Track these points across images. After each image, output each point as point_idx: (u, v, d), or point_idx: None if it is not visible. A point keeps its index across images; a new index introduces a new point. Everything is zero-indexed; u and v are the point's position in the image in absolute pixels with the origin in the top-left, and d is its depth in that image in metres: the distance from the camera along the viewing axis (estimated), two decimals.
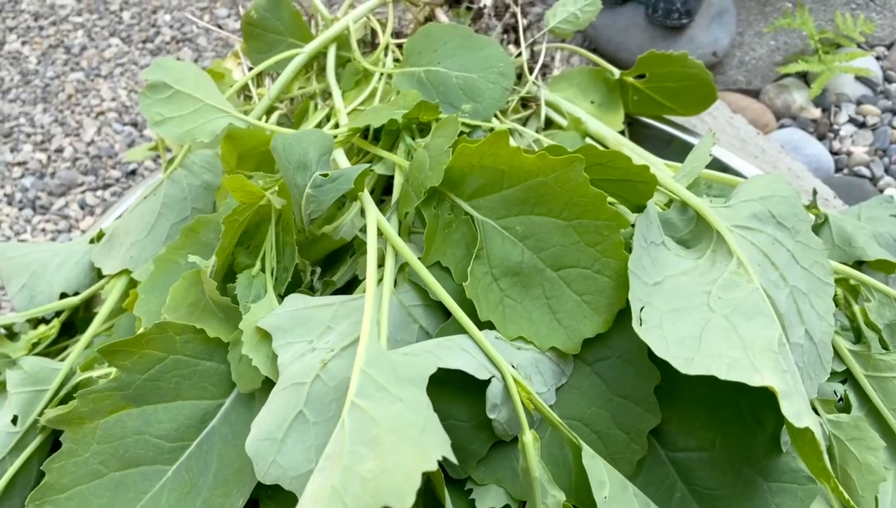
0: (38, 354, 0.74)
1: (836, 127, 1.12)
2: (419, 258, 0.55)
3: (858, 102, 1.16)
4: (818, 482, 0.57)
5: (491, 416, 0.49)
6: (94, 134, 1.11)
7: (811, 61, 1.17)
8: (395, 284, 0.56)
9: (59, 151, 1.11)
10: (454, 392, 0.51)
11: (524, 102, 0.84)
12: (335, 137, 0.63)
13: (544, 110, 0.78)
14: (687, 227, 0.64)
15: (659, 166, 0.73)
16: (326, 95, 0.78)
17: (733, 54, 1.21)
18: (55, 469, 0.58)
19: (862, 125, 1.13)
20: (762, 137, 1.08)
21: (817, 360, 0.59)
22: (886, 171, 1.07)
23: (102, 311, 0.72)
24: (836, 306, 0.69)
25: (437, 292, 0.52)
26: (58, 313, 0.76)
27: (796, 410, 0.47)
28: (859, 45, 1.24)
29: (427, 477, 0.50)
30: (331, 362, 0.49)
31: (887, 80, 1.19)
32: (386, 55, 0.76)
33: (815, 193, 0.81)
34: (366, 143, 0.66)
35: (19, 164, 1.09)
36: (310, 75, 0.82)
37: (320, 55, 0.81)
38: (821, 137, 1.13)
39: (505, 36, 0.87)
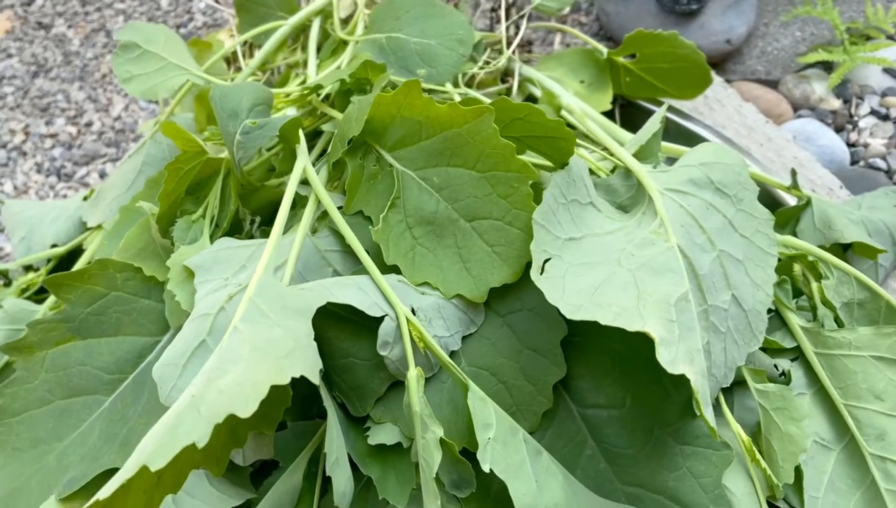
0: (26, 298, 0.79)
1: (855, 119, 1.08)
2: (341, 207, 0.57)
3: (883, 95, 1.11)
4: (744, 451, 0.57)
5: (382, 353, 0.51)
6: (122, 110, 1.18)
7: (834, 52, 1.13)
8: (316, 230, 0.58)
9: (88, 125, 1.18)
10: (356, 332, 0.53)
11: (504, 78, 0.85)
12: (288, 95, 0.66)
13: (517, 83, 0.79)
14: (628, 193, 0.64)
15: (619, 137, 0.73)
16: (307, 65, 0.81)
17: (755, 44, 1.19)
18: (8, 395, 0.62)
19: (885, 117, 1.09)
20: (771, 126, 1.05)
21: (747, 327, 0.58)
22: None
23: (82, 260, 0.76)
24: (794, 283, 0.68)
25: (347, 237, 0.54)
26: (48, 262, 0.81)
27: (673, 358, 0.46)
28: (890, 37, 1.19)
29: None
30: (236, 295, 0.51)
31: None
32: (359, 25, 0.78)
33: (793, 173, 0.79)
34: (323, 105, 0.68)
35: (51, 136, 1.17)
36: (295, 47, 0.85)
37: (307, 28, 0.84)
38: (838, 129, 1.09)
39: (493, 14, 0.88)
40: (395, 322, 0.51)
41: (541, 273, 0.51)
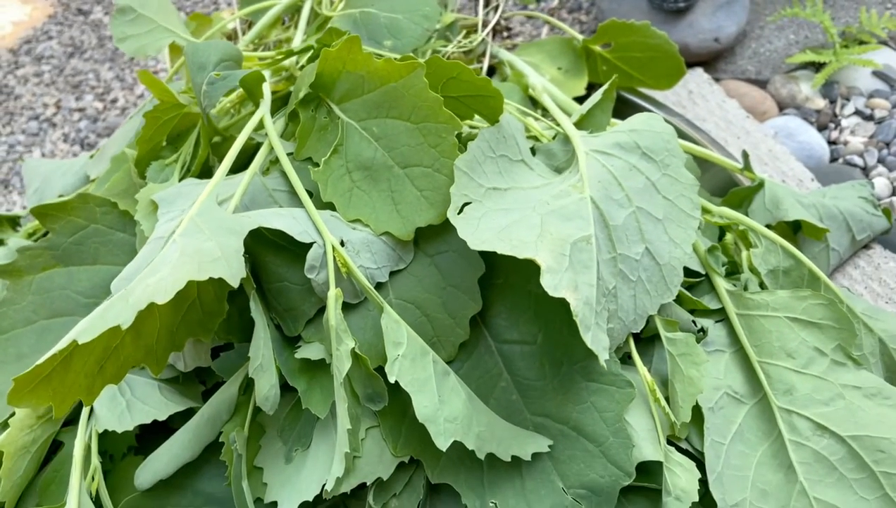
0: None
1: (839, 118, 1.11)
2: (292, 153, 0.63)
3: (870, 96, 1.14)
4: (647, 391, 0.61)
5: (309, 276, 0.57)
6: (145, 88, 1.26)
7: (823, 53, 1.16)
8: (268, 171, 0.64)
9: (114, 101, 1.27)
10: (291, 259, 0.59)
11: (482, 59, 0.91)
12: (263, 59, 0.73)
13: (487, 62, 0.84)
14: (565, 157, 0.69)
15: (569, 110, 0.78)
16: (295, 39, 0.88)
17: (748, 45, 1.22)
18: None
19: (869, 118, 1.11)
20: (751, 121, 1.09)
21: (661, 280, 0.63)
22: (881, 161, 1.05)
23: None
24: (726, 251, 0.72)
25: (291, 176, 0.60)
26: None
27: (556, 284, 0.51)
28: (883, 42, 1.21)
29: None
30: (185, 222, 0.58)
31: None
32: (341, 3, 0.85)
33: (745, 155, 0.83)
34: (294, 68, 0.75)
35: (80, 110, 1.26)
36: (289, 26, 0.92)
37: (300, 8, 0.91)
38: (821, 128, 1.11)
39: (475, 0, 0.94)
40: (323, 249, 0.57)
41: (458, 213, 0.57)
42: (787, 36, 1.24)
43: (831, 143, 1.09)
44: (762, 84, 1.19)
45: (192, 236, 0.53)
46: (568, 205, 0.59)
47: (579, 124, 0.71)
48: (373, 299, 0.56)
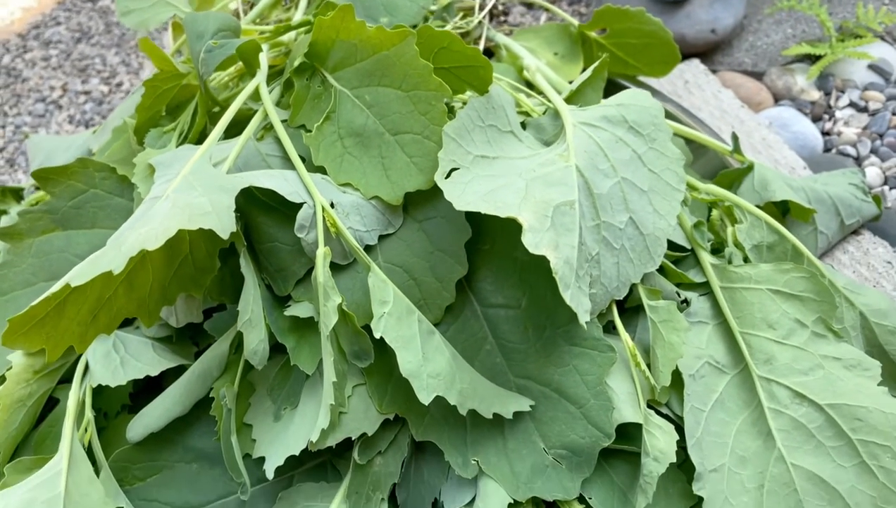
0: None
1: (833, 110, 1.12)
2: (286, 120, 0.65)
3: (865, 88, 1.15)
4: (629, 357, 0.62)
5: (299, 235, 0.58)
6: (150, 73, 1.28)
7: (819, 46, 1.17)
8: (262, 137, 0.65)
9: (119, 84, 1.29)
10: (282, 220, 0.60)
11: (479, 42, 0.92)
12: (262, 33, 0.74)
13: (483, 44, 0.86)
14: (554, 130, 0.70)
15: (560, 88, 0.79)
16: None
17: (745, 38, 1.23)
18: None
19: (863, 110, 1.12)
20: (745, 111, 1.10)
21: (644, 249, 0.64)
22: (873, 152, 1.06)
23: None
24: (712, 227, 0.73)
25: (284, 140, 0.62)
26: None
27: (537, 242, 0.52)
28: (881, 37, 1.23)
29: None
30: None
31: None
32: None
33: (735, 138, 0.84)
34: (291, 42, 0.77)
35: (86, 93, 1.28)
36: (290, 6, 0.94)
37: None
38: (816, 119, 1.12)
39: None
40: (313, 210, 0.58)
41: (445, 178, 0.58)
42: (785, 30, 1.25)
43: (825, 133, 1.11)
44: (758, 76, 1.20)
45: (184, 192, 0.54)
46: (553, 172, 0.60)
47: (569, 100, 0.73)
48: (360, 258, 0.57)
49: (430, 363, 0.55)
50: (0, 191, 0.91)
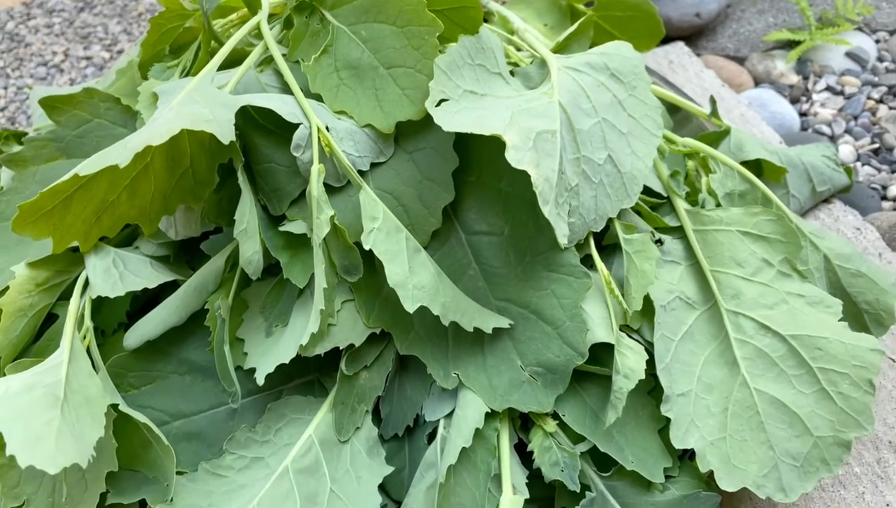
0: None
1: (810, 92, 1.17)
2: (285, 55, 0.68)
3: (841, 74, 1.19)
4: (603, 284, 0.65)
5: (295, 154, 0.61)
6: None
7: (799, 33, 1.22)
8: (262, 69, 0.69)
9: (121, 52, 1.32)
10: (279, 142, 0.63)
11: None
12: None
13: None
14: (540, 79, 0.74)
15: (541, 40, 0.83)
16: None
17: (729, 25, 1.28)
18: (3, 201, 0.74)
19: (839, 94, 1.17)
20: (726, 89, 1.14)
21: (621, 187, 0.67)
22: (848, 131, 1.11)
23: None
24: (688, 179, 0.77)
25: (282, 68, 0.65)
26: None
27: (520, 158, 0.56)
28: (859, 28, 1.27)
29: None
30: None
31: (880, 59, 1.22)
32: None
33: (712, 101, 0.88)
34: None
35: (87, 58, 1.31)
36: None
37: None
38: (794, 101, 1.17)
39: None
40: (309, 130, 0.61)
41: (435, 106, 0.61)
42: (767, 19, 1.30)
43: (802, 114, 1.15)
44: (740, 61, 1.24)
45: (188, 104, 0.58)
46: (537, 106, 0.63)
47: (555, 52, 0.76)
48: (353, 178, 0.61)
49: (415, 276, 0.59)
50: (3, 135, 0.93)
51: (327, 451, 0.61)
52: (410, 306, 0.57)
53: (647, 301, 0.66)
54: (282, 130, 0.63)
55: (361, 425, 0.63)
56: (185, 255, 0.70)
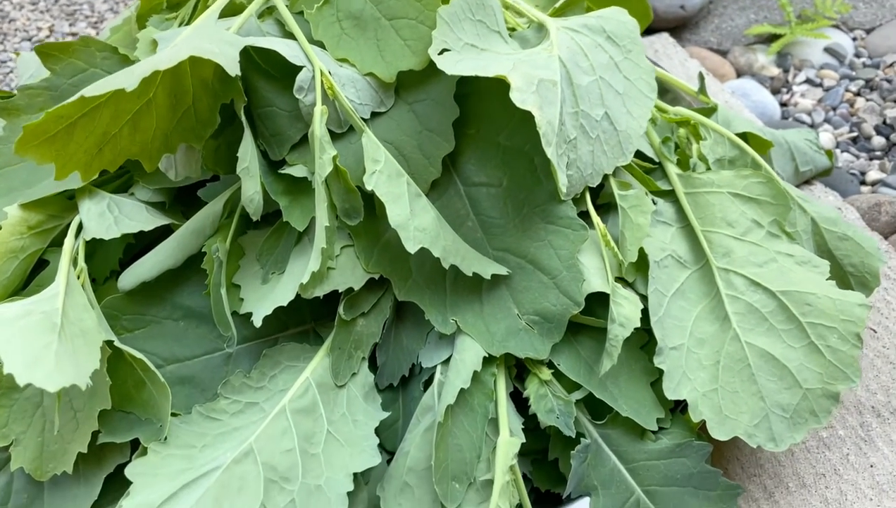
0: None
1: (791, 84, 1.20)
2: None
3: (821, 68, 1.22)
4: (599, 236, 0.66)
5: (298, 96, 0.61)
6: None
7: (780, 28, 1.25)
8: (263, 19, 0.69)
9: None
10: (280, 87, 0.64)
11: None
12: None
13: None
14: (538, 42, 0.75)
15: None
16: None
17: (711, 20, 1.31)
18: None
19: (818, 86, 1.20)
20: (710, 78, 1.17)
21: (617, 144, 0.69)
22: (827, 120, 1.14)
23: None
24: (678, 145, 0.78)
25: (284, 15, 0.65)
26: None
27: (523, 99, 0.57)
28: (836, 26, 1.31)
29: None
30: None
31: (857, 55, 1.25)
32: None
33: (701, 78, 0.90)
34: None
35: (72, 34, 1.30)
36: None
37: None
38: (775, 92, 1.19)
39: None
40: (312, 73, 0.62)
41: (438, 54, 0.62)
42: (748, 15, 1.33)
43: (783, 105, 1.18)
44: (723, 54, 1.27)
45: (193, 39, 0.58)
46: (538, 59, 0.64)
47: (552, 16, 0.77)
48: (355, 122, 0.61)
49: (416, 218, 0.59)
50: None
51: (324, 394, 0.61)
52: (412, 247, 0.57)
53: (642, 256, 0.66)
54: (284, 75, 0.63)
55: (358, 371, 0.63)
56: (179, 205, 0.70)
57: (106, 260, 0.68)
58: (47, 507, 0.60)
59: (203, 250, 0.63)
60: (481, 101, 0.67)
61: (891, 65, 1.22)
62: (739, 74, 1.24)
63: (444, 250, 0.59)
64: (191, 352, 0.64)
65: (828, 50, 1.25)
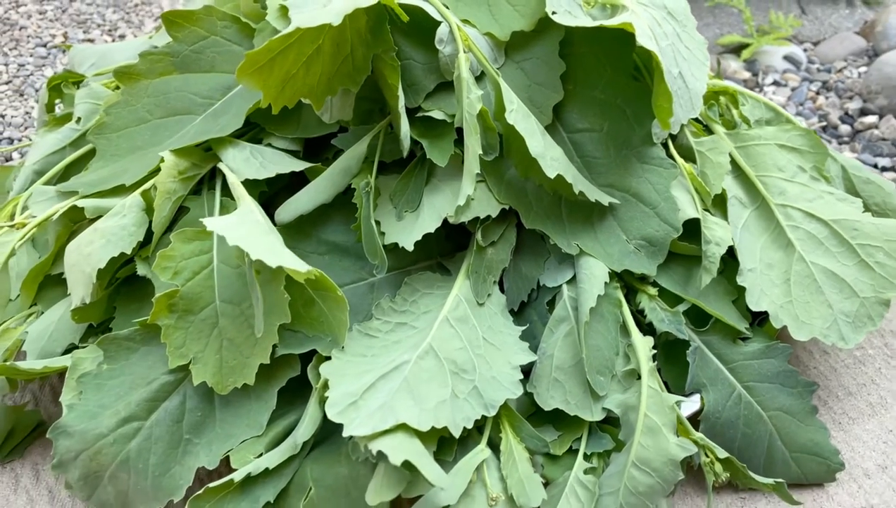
0: None
1: (762, 84, 1.36)
2: None
3: (784, 72, 1.39)
4: (686, 174, 0.77)
5: (438, 47, 0.70)
6: (153, 30, 1.35)
7: (746, 38, 1.42)
8: None
9: (123, 36, 1.35)
10: (416, 42, 0.72)
11: None
12: None
13: None
14: (613, 14, 0.86)
15: None
16: None
17: None
18: (112, 113, 0.78)
19: (784, 86, 1.36)
20: None
21: (689, 100, 0.79)
22: (799, 114, 1.30)
23: None
24: (721, 112, 0.90)
25: None
26: None
27: (646, 41, 0.67)
28: (788, 39, 1.49)
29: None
30: None
31: (811, 62, 1.43)
32: None
33: (717, 63, 1.03)
34: None
35: (89, 41, 1.33)
36: None
37: None
38: None
39: None
40: (449, 28, 0.70)
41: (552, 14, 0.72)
42: (714, 30, 1.50)
43: None
44: None
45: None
46: (638, 21, 0.75)
47: None
48: (488, 70, 0.70)
49: (550, 150, 0.68)
50: (65, 78, 0.96)
51: (472, 309, 0.68)
52: (551, 173, 0.66)
53: (720, 194, 0.77)
54: (419, 32, 0.71)
55: (492, 293, 0.71)
56: (309, 158, 0.76)
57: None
58: (220, 423, 0.64)
59: (352, 187, 0.70)
60: (575, 61, 0.76)
61: (840, 70, 1.41)
62: None
63: (575, 177, 0.68)
64: (338, 281, 0.70)
65: (787, 58, 1.42)
